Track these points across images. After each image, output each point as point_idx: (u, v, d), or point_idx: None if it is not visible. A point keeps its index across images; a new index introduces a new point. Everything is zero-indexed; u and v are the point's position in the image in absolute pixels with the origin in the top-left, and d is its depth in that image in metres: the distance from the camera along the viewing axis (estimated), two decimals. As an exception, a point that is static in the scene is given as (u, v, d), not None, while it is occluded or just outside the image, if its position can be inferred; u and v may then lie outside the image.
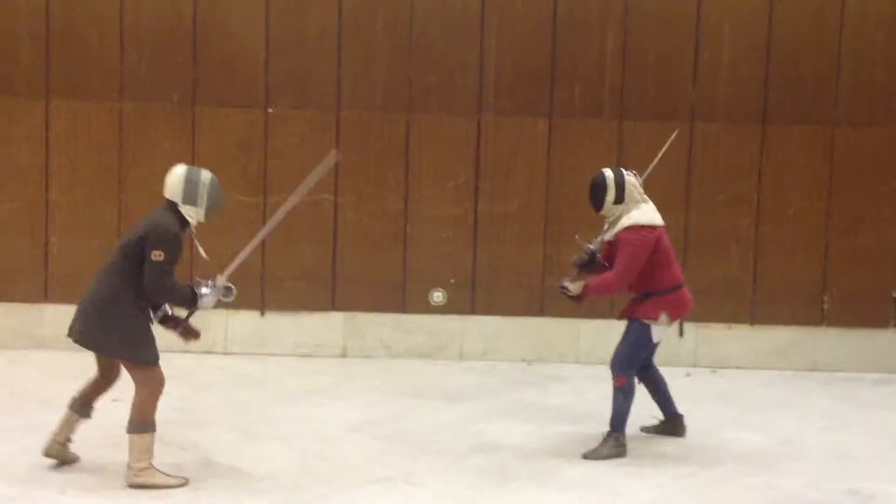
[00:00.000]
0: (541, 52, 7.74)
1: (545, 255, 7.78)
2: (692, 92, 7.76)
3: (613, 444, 5.48)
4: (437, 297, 7.82)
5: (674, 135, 6.40)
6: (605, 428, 5.53)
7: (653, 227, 5.46)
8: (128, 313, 4.83)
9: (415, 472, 5.14)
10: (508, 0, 7.70)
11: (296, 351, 7.82)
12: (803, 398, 6.98)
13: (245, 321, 7.79)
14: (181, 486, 4.83)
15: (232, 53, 7.69)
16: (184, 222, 4.94)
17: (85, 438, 5.44)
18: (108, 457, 5.19)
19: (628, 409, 5.50)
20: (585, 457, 5.44)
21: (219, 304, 5.14)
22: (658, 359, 7.72)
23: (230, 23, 7.67)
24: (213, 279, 5.02)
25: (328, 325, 7.84)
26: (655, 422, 5.98)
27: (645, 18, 7.72)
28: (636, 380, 5.62)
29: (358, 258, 7.84)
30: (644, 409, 5.94)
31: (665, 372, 7.48)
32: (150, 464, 4.82)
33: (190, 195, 4.89)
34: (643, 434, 5.93)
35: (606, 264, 5.62)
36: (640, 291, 5.56)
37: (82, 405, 5.12)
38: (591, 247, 5.69)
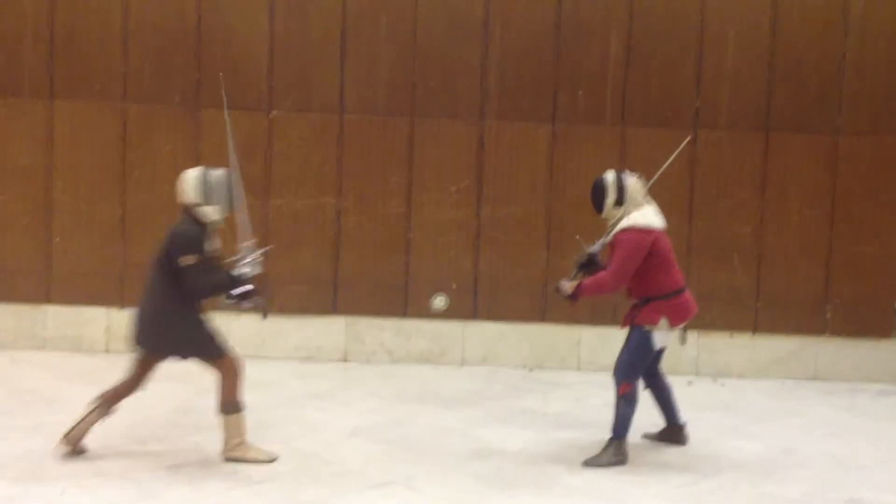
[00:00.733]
0: (544, 57, 7.74)
1: (547, 261, 7.78)
2: (695, 99, 7.76)
3: (614, 451, 5.46)
4: (439, 302, 7.81)
5: (685, 141, 6.35)
6: (607, 435, 5.52)
7: (650, 230, 5.42)
8: (185, 319, 5.14)
9: (414, 477, 5.14)
10: (512, 5, 7.70)
11: (297, 354, 7.81)
12: (805, 407, 6.96)
13: (247, 324, 7.77)
14: (270, 461, 5.22)
15: (235, 56, 7.69)
16: (203, 224, 5.13)
17: (88, 439, 5.45)
18: (109, 460, 5.18)
19: (631, 417, 5.48)
20: (586, 464, 5.43)
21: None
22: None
23: (233, 25, 7.68)
24: (241, 252, 5.20)
25: (330, 329, 7.83)
26: (657, 429, 5.97)
27: (648, 24, 7.72)
28: (641, 387, 5.59)
29: (360, 262, 7.83)
30: (646, 415, 5.93)
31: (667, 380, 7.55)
32: (243, 440, 5.23)
33: (206, 195, 5.11)
34: (644, 441, 5.91)
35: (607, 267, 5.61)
36: (640, 296, 5.52)
37: (105, 402, 5.28)
38: (591, 249, 5.66)
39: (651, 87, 7.74)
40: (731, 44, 7.73)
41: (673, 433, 5.90)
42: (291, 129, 7.72)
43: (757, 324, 7.81)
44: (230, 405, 5.21)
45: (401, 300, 7.86)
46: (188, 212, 5.15)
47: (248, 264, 5.18)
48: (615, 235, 5.45)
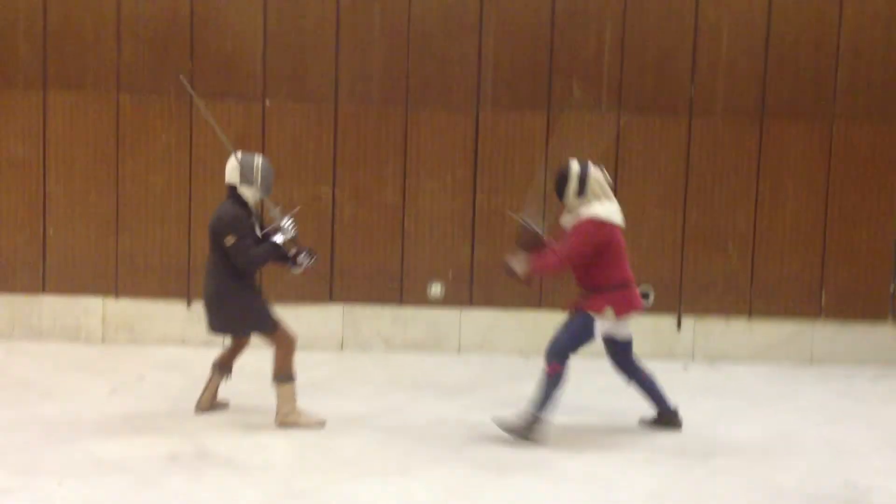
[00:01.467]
0: (539, 46, 7.74)
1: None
2: (690, 87, 7.76)
3: (532, 423, 5.51)
4: (436, 290, 7.82)
5: (622, 122, 6.33)
6: (592, 416, 5.53)
7: (610, 224, 5.50)
8: (240, 297, 5.58)
9: (411, 464, 5.14)
10: (507, -7, 7.70)
11: (293, 344, 7.81)
12: (801, 392, 6.99)
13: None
14: (321, 426, 5.64)
15: (229, 46, 7.68)
16: (245, 203, 5.60)
17: (85, 430, 5.46)
18: (107, 450, 5.19)
19: (555, 397, 5.55)
20: (497, 423, 5.54)
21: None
22: (655, 351, 7.80)
23: (227, 16, 7.66)
24: (276, 221, 5.64)
25: (326, 317, 7.84)
26: (653, 415, 6.00)
27: (644, 13, 7.72)
28: (568, 370, 5.65)
29: (356, 251, 7.84)
30: (641, 401, 5.95)
31: (662, 366, 7.57)
32: (295, 407, 5.65)
33: (246, 177, 5.57)
34: (639, 426, 5.93)
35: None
36: (590, 286, 5.60)
37: (222, 367, 5.94)
38: (541, 230, 5.72)
39: (646, 75, 7.74)
40: (726, 32, 7.73)
41: (667, 419, 5.93)
42: (286, 119, 7.72)
43: (752, 309, 7.84)
44: (285, 375, 5.63)
45: (397, 289, 7.87)
46: (231, 193, 5.61)
47: (284, 230, 5.62)
48: (575, 224, 5.53)
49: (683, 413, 5.97)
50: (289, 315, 7.80)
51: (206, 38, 7.66)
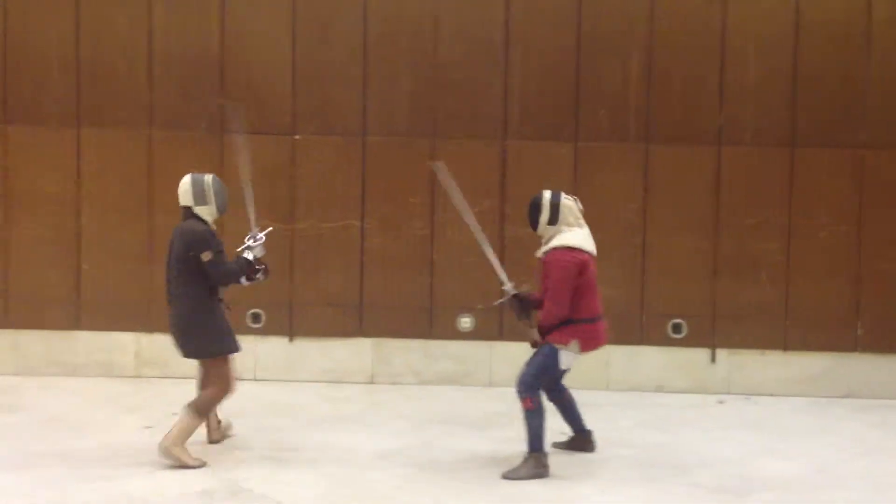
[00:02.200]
0: (565, 76, 7.75)
1: (573, 281, 7.73)
2: (719, 115, 7.73)
3: (534, 464, 5.50)
4: (465, 322, 7.79)
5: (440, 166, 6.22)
6: (627, 451, 5.48)
7: (580, 250, 5.51)
8: (211, 316, 5.57)
9: (443, 500, 5.10)
10: (531, 25, 7.72)
11: (324, 377, 7.81)
12: (838, 425, 6.87)
13: (274, 348, 7.80)
14: (199, 467, 5.45)
15: (259, 82, 7.76)
16: (205, 222, 5.62)
17: (118, 465, 5.46)
18: (138, 486, 5.19)
19: (542, 428, 5.52)
20: (505, 477, 5.46)
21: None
22: (689, 385, 7.71)
23: (257, 51, 7.74)
24: (252, 236, 5.79)
25: (356, 351, 7.83)
26: (565, 438, 6.07)
27: (670, 41, 7.71)
28: (544, 399, 5.65)
29: (385, 284, 7.84)
30: (678, 437, 5.87)
31: (697, 399, 7.52)
32: (183, 444, 5.47)
33: (199, 197, 5.60)
34: (673, 462, 5.84)
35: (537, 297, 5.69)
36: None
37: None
38: (510, 290, 5.72)
39: (673, 104, 7.71)
40: (754, 60, 7.70)
41: (581, 441, 6.02)
42: (315, 153, 7.76)
43: (787, 341, 7.73)
44: (200, 411, 5.53)
45: (426, 321, 7.85)
46: (188, 214, 5.63)
47: (256, 248, 5.74)
48: (546, 255, 5.56)
49: (722, 447, 5.89)
50: (318, 349, 7.83)
51: (236, 74, 7.73)
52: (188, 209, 5.63)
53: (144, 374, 7.78)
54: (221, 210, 5.70)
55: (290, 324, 7.80)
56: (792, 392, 7.70)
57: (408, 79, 7.77)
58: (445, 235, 7.80)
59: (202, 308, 5.54)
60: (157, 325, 7.76)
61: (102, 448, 5.80)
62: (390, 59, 7.77)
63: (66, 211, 7.75)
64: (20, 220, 7.73)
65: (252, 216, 5.88)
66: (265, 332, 7.78)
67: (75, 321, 7.77)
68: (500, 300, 5.87)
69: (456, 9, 7.72)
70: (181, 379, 7.74)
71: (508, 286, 5.75)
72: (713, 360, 7.76)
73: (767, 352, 7.74)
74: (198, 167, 7.71)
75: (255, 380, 7.76)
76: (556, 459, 5.81)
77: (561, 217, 5.57)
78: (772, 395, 7.69)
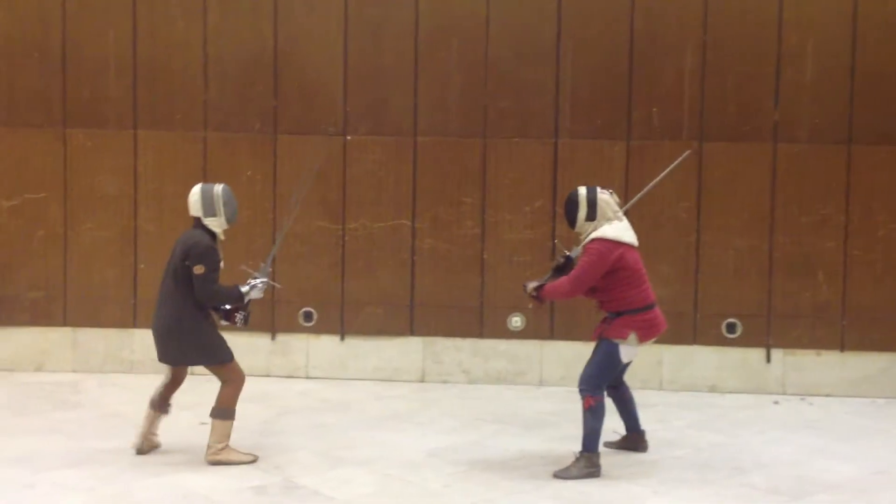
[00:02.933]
0: (617, 73, 7.69)
1: (625, 280, 7.68)
2: (774, 112, 7.62)
3: (586, 463, 5.46)
4: (516, 322, 7.78)
5: (685, 154, 6.26)
6: (680, 451, 5.44)
7: (617, 242, 5.47)
8: (197, 325, 5.52)
9: (494, 499, 5.11)
10: (584, 23, 7.69)
11: (375, 376, 7.86)
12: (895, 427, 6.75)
13: (326, 346, 7.88)
14: (253, 461, 5.54)
15: (311, 83, 7.83)
16: (212, 234, 5.59)
17: (174, 462, 5.56)
18: (196, 482, 5.27)
19: (599, 429, 5.49)
20: (556, 475, 5.44)
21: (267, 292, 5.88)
22: (744, 385, 7.62)
23: (309, 54, 7.82)
24: (260, 275, 5.73)
25: (407, 350, 7.87)
26: (617, 437, 6.02)
27: (724, 38, 7.62)
28: (605, 396, 5.61)
29: (435, 283, 7.86)
30: (731, 438, 5.80)
31: (751, 400, 7.42)
32: (227, 444, 5.55)
33: (209, 208, 5.55)
34: (723, 463, 5.78)
35: None
36: (610, 310, 5.57)
37: (161, 404, 5.81)
38: (570, 253, 5.74)
39: (728, 101, 7.62)
40: (811, 56, 7.57)
41: (634, 440, 5.97)
42: (366, 153, 7.81)
43: (844, 341, 7.60)
44: (225, 411, 5.57)
45: (476, 320, 7.86)
46: (197, 224, 5.59)
47: (258, 288, 5.65)
48: (584, 246, 5.56)
49: (777, 449, 5.82)
50: (370, 348, 7.88)
51: (290, 76, 7.82)
52: (197, 219, 5.59)
53: (199, 371, 7.88)
54: (231, 221, 5.66)
55: (341, 322, 7.87)
56: (849, 393, 7.57)
57: (458, 78, 7.78)
58: (496, 235, 7.80)
59: (187, 316, 5.49)
60: (211, 324, 7.88)
61: (161, 444, 5.90)
62: (441, 58, 7.79)
63: (123, 211, 7.90)
64: (80, 220, 7.90)
65: (273, 254, 5.96)
66: (317, 330, 7.86)
67: (132, 319, 7.92)
68: (557, 259, 5.80)
69: (507, 8, 7.71)
70: (235, 376, 7.85)
71: (573, 251, 5.70)
72: (768, 360, 7.64)
73: (824, 352, 7.62)
74: (252, 168, 7.86)
75: (307, 378, 7.84)
76: (608, 459, 5.78)
77: (599, 212, 5.55)
78: (828, 395, 7.56)
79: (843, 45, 7.55)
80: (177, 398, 7.12)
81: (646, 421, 6.75)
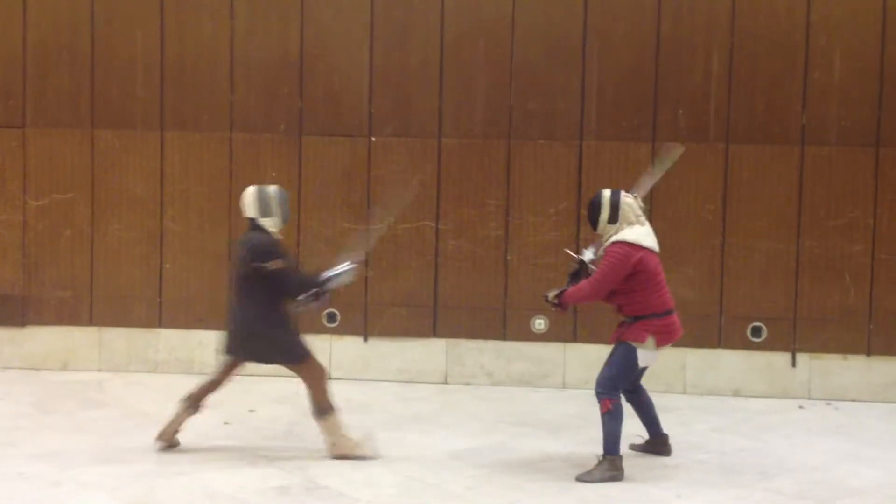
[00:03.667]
0: (643, 75, 7.66)
1: (649, 282, 7.65)
2: (801, 115, 7.55)
3: (608, 466, 5.44)
4: (539, 324, 7.76)
5: (678, 152, 6.21)
6: (704, 455, 5.41)
7: (637, 246, 5.46)
8: (279, 323, 5.61)
9: (517, 501, 5.10)
10: (610, 25, 7.66)
11: (398, 377, 7.87)
12: (925, 433, 6.66)
13: (348, 347, 7.90)
14: (373, 458, 5.64)
15: (336, 84, 7.85)
16: (269, 233, 5.62)
17: (198, 461, 5.59)
18: (220, 481, 5.30)
19: (619, 432, 5.47)
20: (579, 479, 5.41)
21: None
22: (769, 390, 7.56)
23: (335, 55, 7.84)
24: (346, 261, 5.74)
25: (430, 351, 7.87)
26: (640, 441, 6.00)
27: (751, 39, 7.57)
28: (622, 400, 5.60)
29: (459, 285, 7.86)
30: (756, 441, 5.75)
31: (776, 404, 7.36)
32: (344, 434, 5.66)
33: (264, 209, 5.59)
34: (753, 471, 5.73)
35: None
36: (629, 314, 5.55)
37: (194, 402, 5.83)
38: (582, 256, 5.75)
39: (755, 102, 7.57)
40: (839, 58, 7.51)
41: (657, 444, 5.93)
42: (391, 155, 7.82)
43: (871, 346, 7.52)
44: (323, 408, 5.66)
45: (500, 322, 7.84)
46: (252, 224, 5.62)
47: (344, 274, 5.67)
48: (605, 249, 5.55)
49: (803, 453, 5.77)
50: (393, 349, 7.89)
51: (315, 78, 7.85)
52: (252, 220, 5.63)
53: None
54: (285, 220, 5.72)
55: (364, 324, 7.88)
56: (875, 398, 7.49)
57: (484, 80, 7.78)
58: (520, 237, 7.79)
59: (264, 316, 5.55)
60: (236, 324, 7.92)
61: (184, 443, 5.93)
62: (466, 60, 7.78)
63: (149, 212, 7.96)
64: (106, 220, 7.97)
65: (373, 237, 5.91)
66: (340, 331, 7.88)
67: (158, 319, 7.97)
68: (571, 264, 5.84)
69: (533, 10, 7.70)
70: (259, 377, 7.88)
71: (585, 254, 5.73)
72: (794, 364, 7.58)
73: (850, 356, 7.54)
74: (277, 169, 7.89)
75: (330, 378, 7.83)
76: (632, 462, 5.76)
77: (621, 215, 5.54)
78: (854, 400, 7.48)
79: (871, 47, 7.47)
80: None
81: (669, 425, 6.72)
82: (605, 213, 5.56)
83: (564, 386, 7.76)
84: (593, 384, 7.66)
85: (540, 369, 7.81)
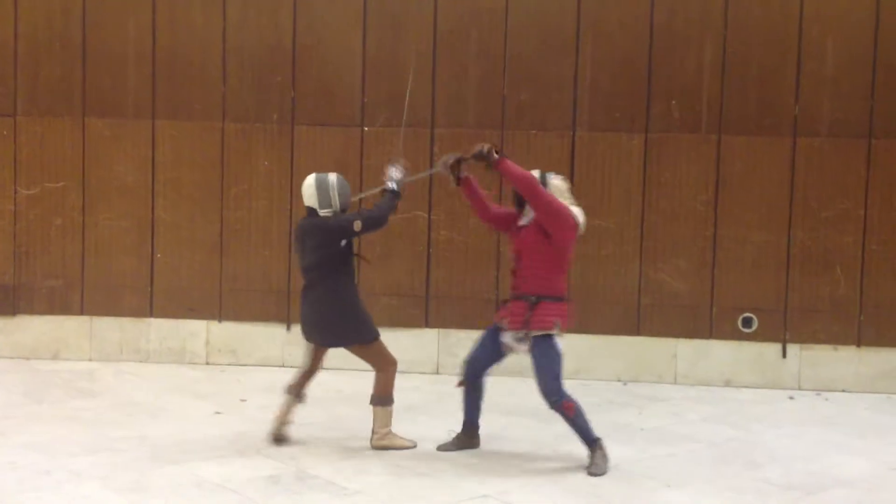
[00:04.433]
0: (636, 66, 7.66)
1: (641, 273, 7.67)
2: (794, 106, 7.56)
3: (601, 453, 5.43)
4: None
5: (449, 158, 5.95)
6: (695, 445, 5.41)
7: (576, 220, 5.44)
8: (348, 306, 5.62)
9: (508, 490, 5.11)
10: (603, 15, 7.65)
11: (390, 367, 7.86)
12: (914, 424, 6.70)
13: (340, 337, 7.89)
14: (413, 447, 5.72)
15: (329, 74, 7.84)
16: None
17: (190, 450, 5.60)
18: (211, 471, 5.30)
19: (587, 421, 5.46)
20: (592, 474, 5.37)
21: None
22: (759, 380, 7.58)
23: (328, 45, 7.83)
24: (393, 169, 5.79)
25: (422, 341, 7.88)
26: (451, 437, 5.88)
27: (744, 31, 7.57)
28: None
29: (451, 275, 7.86)
30: (746, 431, 5.76)
31: (767, 394, 7.38)
32: (390, 430, 5.72)
33: (324, 200, 5.54)
34: (733, 457, 5.75)
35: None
36: (535, 291, 5.44)
37: (297, 392, 5.85)
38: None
39: (747, 94, 7.58)
40: (831, 50, 7.51)
41: (467, 437, 5.83)
42: (384, 145, 7.81)
43: (861, 336, 7.55)
44: (385, 398, 5.71)
45: (492, 313, 7.80)
46: (312, 212, 5.60)
47: (402, 177, 5.76)
48: (529, 222, 5.50)
49: (792, 444, 5.79)
50: (385, 339, 7.85)
51: (308, 68, 7.83)
52: (312, 209, 5.61)
53: (214, 361, 7.94)
54: (344, 209, 5.67)
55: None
56: (865, 389, 7.52)
57: (477, 70, 7.77)
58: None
59: (347, 293, 5.60)
60: (227, 314, 7.92)
61: (175, 433, 5.94)
62: (460, 50, 7.77)
63: (141, 201, 7.94)
64: (97, 209, 7.95)
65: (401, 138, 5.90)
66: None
67: (149, 308, 7.96)
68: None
69: (526, 0, 7.68)
70: (250, 367, 7.89)
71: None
72: (784, 355, 7.61)
73: (841, 347, 7.57)
74: (269, 159, 7.88)
75: (322, 368, 7.84)
76: (624, 452, 5.78)
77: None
78: (844, 391, 7.52)
79: (864, 39, 7.48)
80: (193, 388, 7.19)
81: (660, 415, 6.75)
82: None
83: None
84: (585, 374, 7.73)
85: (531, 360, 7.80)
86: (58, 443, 5.70)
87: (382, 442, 5.71)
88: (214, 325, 7.92)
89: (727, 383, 7.64)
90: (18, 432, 5.92)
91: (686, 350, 7.64)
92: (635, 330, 7.71)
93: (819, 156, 7.55)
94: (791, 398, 7.33)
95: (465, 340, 7.83)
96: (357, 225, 5.51)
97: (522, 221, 5.60)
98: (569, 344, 7.68)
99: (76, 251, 7.95)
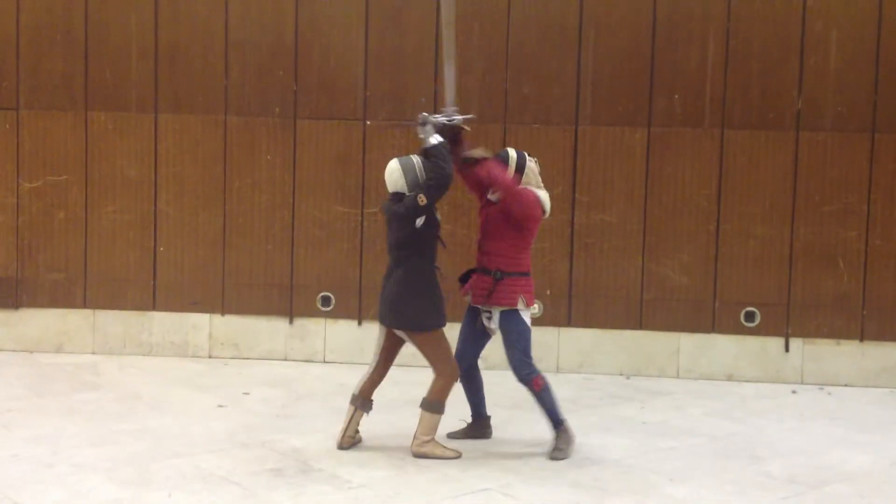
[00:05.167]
0: (639, 60, 7.64)
1: (644, 267, 7.67)
2: (797, 100, 7.55)
3: (566, 436, 5.54)
4: (533, 309, 7.75)
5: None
6: (697, 439, 5.43)
7: (541, 203, 5.55)
8: (430, 285, 5.53)
9: (512, 484, 5.12)
10: (606, 9, 7.64)
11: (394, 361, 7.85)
12: (917, 418, 6.70)
13: (343, 331, 7.90)
14: (456, 458, 5.48)
15: (331, 68, 7.82)
16: None
17: (192, 443, 5.61)
18: (213, 464, 5.31)
19: (556, 400, 5.56)
20: (553, 458, 5.48)
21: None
22: (762, 375, 7.59)
23: (330, 39, 7.81)
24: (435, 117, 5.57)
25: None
26: (463, 425, 5.93)
27: (747, 25, 7.55)
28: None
29: (453, 269, 7.83)
30: (747, 424, 5.78)
31: (769, 389, 7.39)
32: (434, 438, 5.51)
33: (414, 183, 5.40)
34: (745, 454, 5.75)
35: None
36: (499, 266, 5.56)
37: (363, 401, 5.69)
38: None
39: (751, 88, 7.56)
40: (835, 44, 7.50)
41: (478, 427, 5.90)
42: (386, 139, 7.81)
43: (864, 331, 7.54)
44: (436, 405, 5.52)
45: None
46: (395, 198, 5.47)
47: (437, 127, 5.49)
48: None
49: (794, 438, 5.79)
50: (388, 332, 7.88)
51: (310, 61, 7.82)
52: (396, 194, 5.45)
53: (217, 354, 7.95)
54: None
55: (359, 307, 7.88)
56: (868, 383, 7.52)
57: (479, 64, 7.75)
58: (515, 221, 7.77)
59: (420, 280, 5.48)
60: (230, 307, 7.93)
61: (178, 426, 5.96)
62: (462, 44, 7.73)
63: (143, 195, 7.93)
64: (100, 203, 7.95)
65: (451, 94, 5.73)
66: (335, 315, 7.88)
67: (152, 302, 7.97)
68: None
69: (529, -7, 7.69)
70: (253, 360, 7.90)
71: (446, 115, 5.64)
72: (787, 349, 7.61)
73: (843, 342, 7.57)
74: (271, 153, 7.87)
75: (325, 362, 7.87)
76: (625, 444, 5.80)
77: (524, 178, 5.58)
78: (847, 385, 7.52)
79: (867, 33, 7.47)
80: (196, 381, 7.20)
81: (662, 409, 6.76)
82: (510, 169, 5.57)
83: (558, 370, 7.77)
84: (588, 368, 7.73)
85: (534, 353, 7.78)
86: (61, 436, 5.72)
87: (422, 449, 5.51)
88: (217, 319, 7.92)
89: (730, 377, 7.64)
90: (22, 425, 5.93)
91: (689, 344, 7.64)
92: (638, 324, 7.71)
93: (822, 150, 7.54)
94: (794, 392, 7.33)
95: (468, 334, 7.83)
96: (421, 199, 5.31)
97: (492, 197, 5.69)
98: (572, 338, 7.75)
99: (79, 244, 7.95)
